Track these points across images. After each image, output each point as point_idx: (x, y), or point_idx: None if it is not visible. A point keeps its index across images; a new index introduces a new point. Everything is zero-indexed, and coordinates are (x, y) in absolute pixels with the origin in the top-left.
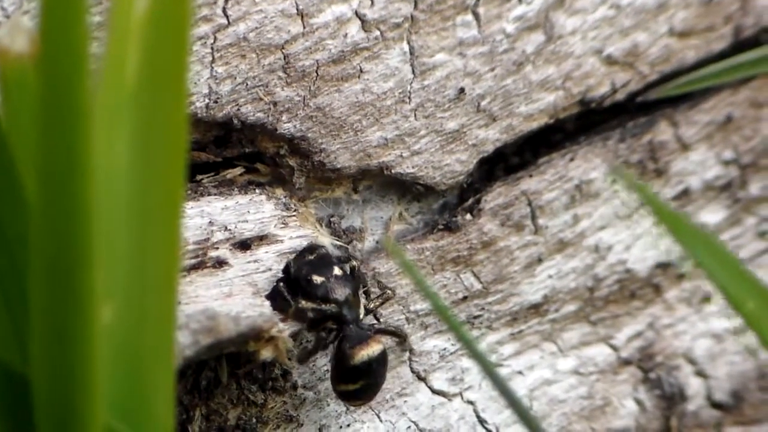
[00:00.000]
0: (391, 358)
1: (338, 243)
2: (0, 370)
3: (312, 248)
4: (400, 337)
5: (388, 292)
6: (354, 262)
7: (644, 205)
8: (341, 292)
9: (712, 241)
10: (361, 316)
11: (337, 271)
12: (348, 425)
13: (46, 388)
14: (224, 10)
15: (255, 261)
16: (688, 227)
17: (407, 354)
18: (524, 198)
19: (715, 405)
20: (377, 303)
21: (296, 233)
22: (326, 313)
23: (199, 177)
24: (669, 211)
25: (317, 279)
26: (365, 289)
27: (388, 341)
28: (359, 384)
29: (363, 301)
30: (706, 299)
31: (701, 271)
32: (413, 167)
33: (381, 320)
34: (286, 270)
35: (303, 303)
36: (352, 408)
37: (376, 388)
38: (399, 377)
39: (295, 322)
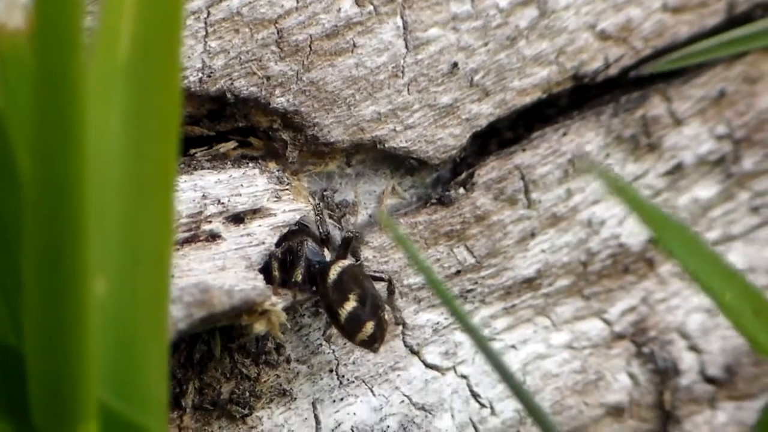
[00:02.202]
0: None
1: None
2: None
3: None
4: (384, 280)
5: (349, 233)
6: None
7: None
8: (295, 238)
9: (686, 231)
10: (327, 257)
11: (292, 227)
12: (341, 399)
13: (40, 361)
14: None
15: (248, 234)
16: (660, 217)
17: (400, 328)
18: (517, 172)
19: (709, 379)
20: (342, 247)
21: (289, 207)
22: (294, 250)
23: (192, 151)
24: (642, 202)
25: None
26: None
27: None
28: (353, 300)
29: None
30: None
31: None
32: (406, 141)
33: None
34: (278, 244)
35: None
36: (370, 350)
37: (376, 305)
38: (392, 351)
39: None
